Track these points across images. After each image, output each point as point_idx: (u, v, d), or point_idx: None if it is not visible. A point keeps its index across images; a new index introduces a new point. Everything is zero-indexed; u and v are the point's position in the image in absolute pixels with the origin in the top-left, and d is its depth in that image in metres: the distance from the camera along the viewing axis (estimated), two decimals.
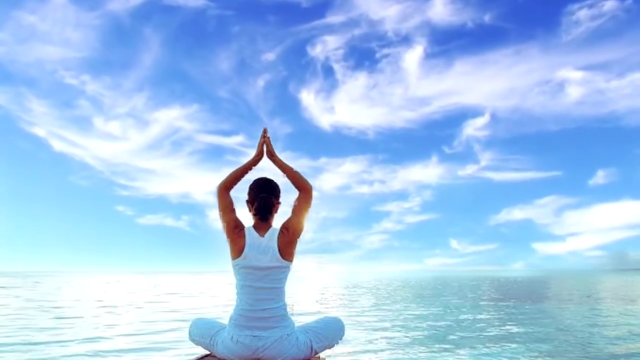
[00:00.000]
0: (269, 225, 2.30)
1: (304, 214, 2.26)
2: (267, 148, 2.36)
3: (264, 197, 2.29)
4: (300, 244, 2.28)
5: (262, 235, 2.24)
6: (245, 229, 2.26)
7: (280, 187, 2.39)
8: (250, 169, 2.35)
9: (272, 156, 2.35)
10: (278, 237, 2.23)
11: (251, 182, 2.38)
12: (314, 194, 2.29)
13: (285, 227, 2.25)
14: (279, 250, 2.21)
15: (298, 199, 2.28)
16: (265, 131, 2.35)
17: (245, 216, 2.33)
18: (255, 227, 2.29)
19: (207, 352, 2.33)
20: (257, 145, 2.35)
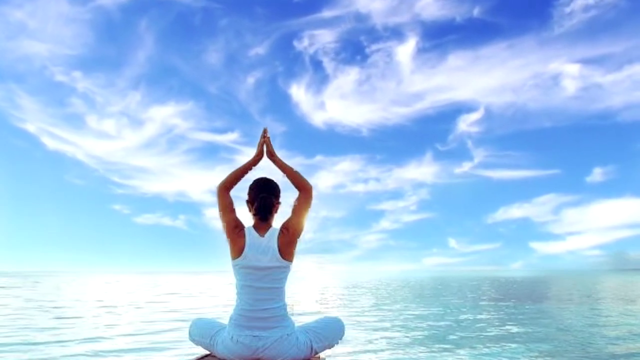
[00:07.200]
0: (269, 225, 2.30)
1: (304, 213, 2.26)
2: (267, 148, 2.36)
3: (264, 197, 2.29)
4: (300, 244, 2.28)
5: (262, 235, 2.24)
6: (245, 229, 2.25)
7: (280, 187, 2.39)
8: (250, 168, 2.35)
9: (272, 156, 2.35)
10: (278, 237, 2.22)
11: (251, 182, 2.38)
12: (314, 193, 2.29)
13: (285, 227, 2.25)
14: (279, 250, 2.21)
15: (298, 199, 2.28)
16: (265, 131, 2.36)
17: (245, 216, 2.33)
18: (255, 227, 2.28)
19: (207, 352, 2.33)
20: (257, 144, 2.35)
